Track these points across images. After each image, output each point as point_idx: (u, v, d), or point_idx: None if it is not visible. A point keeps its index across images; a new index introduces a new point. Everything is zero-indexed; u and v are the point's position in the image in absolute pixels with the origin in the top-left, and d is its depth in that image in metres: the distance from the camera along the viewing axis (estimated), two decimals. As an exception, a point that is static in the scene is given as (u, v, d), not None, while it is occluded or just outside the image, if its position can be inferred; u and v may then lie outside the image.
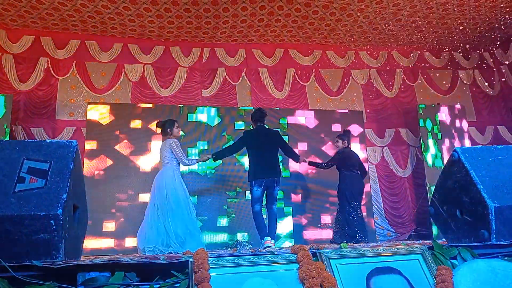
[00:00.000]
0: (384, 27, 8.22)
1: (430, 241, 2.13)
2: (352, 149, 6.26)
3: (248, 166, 5.16)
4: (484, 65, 9.27)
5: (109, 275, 1.78)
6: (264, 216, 5.08)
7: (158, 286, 1.73)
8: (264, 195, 5.03)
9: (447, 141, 8.28)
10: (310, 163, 6.08)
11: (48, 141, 1.98)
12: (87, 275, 1.77)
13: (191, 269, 1.66)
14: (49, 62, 7.49)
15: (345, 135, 6.14)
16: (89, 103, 7.20)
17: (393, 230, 8.26)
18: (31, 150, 1.90)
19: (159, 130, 5.14)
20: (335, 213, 6.05)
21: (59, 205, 1.75)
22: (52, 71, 7.48)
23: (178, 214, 4.49)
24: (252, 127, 5.32)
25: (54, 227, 1.72)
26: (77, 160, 2.03)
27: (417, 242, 3.78)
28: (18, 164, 1.85)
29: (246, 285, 1.65)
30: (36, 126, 7.18)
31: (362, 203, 6.04)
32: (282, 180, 5.37)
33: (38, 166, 1.85)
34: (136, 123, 7.15)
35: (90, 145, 6.90)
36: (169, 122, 5.03)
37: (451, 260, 1.96)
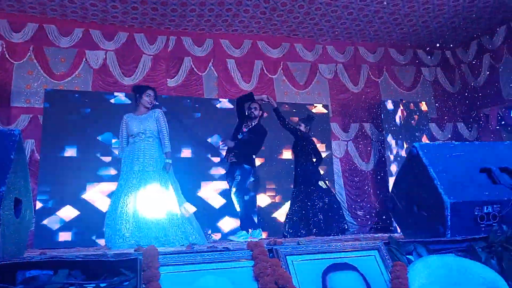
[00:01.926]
0: (352, 22, 8.27)
1: (387, 235, 2.13)
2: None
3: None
4: (445, 63, 9.52)
5: (51, 273, 1.68)
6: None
7: (104, 285, 1.64)
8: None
9: (408, 137, 8.47)
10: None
11: (-14, 129, 1.82)
12: (27, 273, 1.65)
13: (139, 267, 1.57)
14: (4, 46, 7.08)
15: (309, 120, 6.00)
16: (46, 90, 6.87)
17: (355, 223, 8.41)
18: (-33, 138, 1.74)
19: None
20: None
21: (-3, 198, 1.62)
22: (7, 55, 7.07)
23: None
24: None
25: (-9, 222, 1.58)
26: (20, 150, 1.88)
27: (376, 236, 3.83)
28: (-49, 153, 1.69)
29: (198, 283, 1.58)
30: (-12, 113, 6.79)
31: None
32: None
33: (-26, 156, 1.70)
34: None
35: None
36: (142, 87, 4.40)
37: (407, 256, 1.97)
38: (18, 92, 7.05)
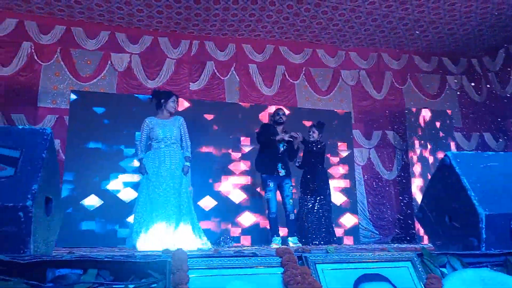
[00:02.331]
0: (376, 29, 8.18)
1: (419, 246, 2.06)
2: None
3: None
4: (472, 71, 9.32)
5: (81, 272, 1.67)
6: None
7: (133, 286, 1.62)
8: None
9: (433, 146, 8.30)
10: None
11: (20, 127, 1.85)
12: (57, 271, 1.65)
13: (169, 270, 1.55)
14: (33, 47, 7.25)
15: (322, 126, 5.87)
16: (72, 91, 7.00)
17: (377, 232, 8.27)
18: (1, 136, 1.76)
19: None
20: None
21: (29, 196, 1.63)
22: (35, 57, 7.24)
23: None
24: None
25: (23, 219, 1.59)
26: (52, 149, 1.90)
27: (405, 246, 3.72)
28: (-14, 151, 1.71)
29: (227, 288, 1.55)
30: (16, 113, 6.94)
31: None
32: None
33: (7, 153, 1.72)
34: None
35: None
36: (166, 92, 4.46)
37: (440, 268, 1.90)
38: (45, 92, 7.20)
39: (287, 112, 5.92)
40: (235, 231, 6.96)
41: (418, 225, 7.83)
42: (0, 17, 7.15)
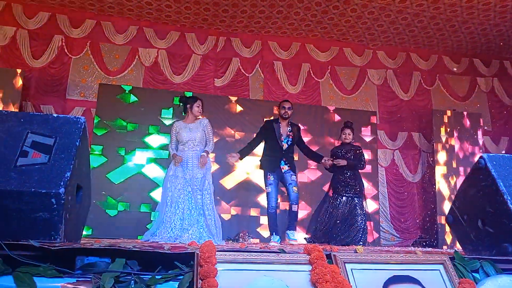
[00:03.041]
0: (405, 28, 8.02)
1: (451, 250, 2.00)
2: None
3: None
4: (503, 73, 9.04)
5: (109, 261, 1.69)
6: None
7: (160, 276, 1.63)
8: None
9: (461, 149, 8.09)
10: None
11: (55, 115, 1.87)
12: (86, 259, 1.67)
13: (196, 262, 1.55)
14: (63, 41, 7.41)
15: (352, 125, 5.55)
16: (100, 85, 7.12)
17: (398, 235, 8.12)
18: (37, 124, 1.80)
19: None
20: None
21: (62, 183, 1.65)
22: (65, 50, 7.40)
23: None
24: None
25: (55, 206, 1.62)
26: (84, 138, 1.92)
27: (434, 250, 3.61)
28: (21, 137, 1.75)
29: (255, 283, 1.54)
30: (46, 104, 7.11)
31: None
32: None
33: (42, 141, 1.75)
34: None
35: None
36: (191, 98, 4.81)
37: (473, 273, 1.84)
38: (74, 85, 7.35)
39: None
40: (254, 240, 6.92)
41: (440, 230, 7.67)
42: (34, 11, 7.33)
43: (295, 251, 1.75)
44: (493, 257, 1.90)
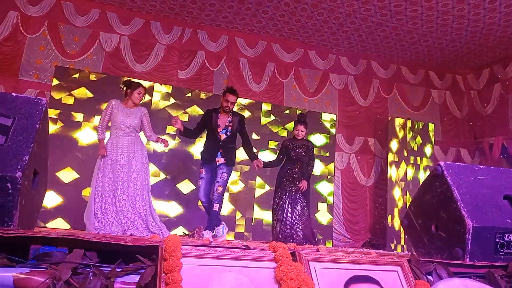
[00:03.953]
0: (368, 36, 8.25)
1: (407, 253, 2.07)
2: None
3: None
4: (455, 87, 9.53)
5: (66, 251, 1.61)
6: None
7: (120, 269, 1.57)
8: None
9: (411, 156, 8.46)
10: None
11: (14, 94, 1.75)
12: (41, 249, 1.59)
13: (161, 255, 1.51)
14: (19, 18, 6.98)
15: (305, 120, 5.45)
16: (57, 67, 6.79)
17: (348, 237, 8.37)
18: (-7, 102, 1.67)
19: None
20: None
21: (19, 167, 1.55)
22: (21, 28, 6.97)
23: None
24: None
25: (10, 191, 1.52)
26: (45, 121, 1.82)
27: (391, 253, 3.73)
28: (-25, 116, 1.62)
29: (219, 279, 1.52)
30: (-5, 83, 6.69)
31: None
32: None
33: (-1, 121, 1.63)
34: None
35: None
36: (134, 83, 4.62)
37: (427, 276, 1.92)
38: (28, 65, 6.95)
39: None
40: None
41: (388, 233, 8.00)
42: (-13, -17, 6.87)
43: (260, 248, 1.75)
44: (446, 261, 2.00)
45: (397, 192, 8.27)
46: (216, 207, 4.72)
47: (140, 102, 4.64)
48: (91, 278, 1.49)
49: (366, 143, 8.86)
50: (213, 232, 4.76)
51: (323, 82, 8.81)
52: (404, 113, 9.11)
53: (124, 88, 4.59)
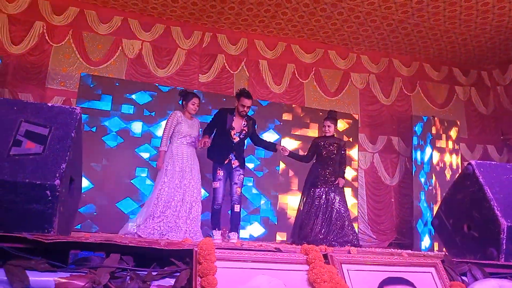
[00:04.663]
0: (389, 34, 8.16)
1: (440, 253, 2.05)
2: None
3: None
4: (481, 83, 9.32)
5: (103, 256, 1.65)
6: None
7: (156, 273, 1.61)
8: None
9: (437, 154, 8.30)
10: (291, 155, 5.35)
11: (49, 105, 1.81)
12: (80, 253, 1.63)
13: (195, 259, 1.53)
14: (45, 27, 7.18)
15: (335, 116, 5.44)
16: (82, 75, 6.96)
17: (374, 237, 8.27)
18: (30, 112, 1.74)
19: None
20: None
21: (57, 175, 1.60)
22: (46, 37, 7.17)
23: None
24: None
25: (50, 198, 1.57)
26: (79, 129, 1.87)
27: (424, 253, 3.65)
28: (15, 126, 1.69)
29: (253, 282, 1.53)
30: (24, 92, 6.88)
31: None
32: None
33: (37, 131, 1.69)
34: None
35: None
36: (189, 94, 4.80)
37: (461, 277, 1.89)
38: (54, 73, 7.14)
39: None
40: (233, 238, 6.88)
41: (416, 233, 7.86)
42: (14, -6, 7.09)
43: (292, 250, 1.75)
44: (480, 261, 1.96)
45: (423, 191, 8.12)
46: (237, 208, 4.81)
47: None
48: (129, 282, 1.53)
49: (389, 142, 8.75)
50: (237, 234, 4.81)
51: (344, 82, 8.75)
52: (429, 110, 8.94)
53: (181, 99, 4.75)
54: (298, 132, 7.86)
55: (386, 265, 1.72)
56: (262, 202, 7.33)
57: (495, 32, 7.83)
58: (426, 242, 7.78)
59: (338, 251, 1.83)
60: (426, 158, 8.22)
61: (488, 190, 2.22)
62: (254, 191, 7.32)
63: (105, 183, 6.52)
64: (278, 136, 7.60)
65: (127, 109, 6.90)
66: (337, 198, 5.09)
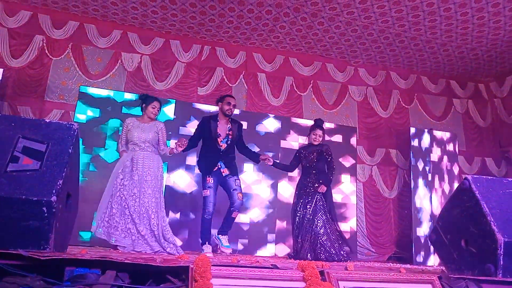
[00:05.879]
0: (387, 47, 8.23)
1: (440, 268, 2.04)
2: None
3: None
4: (478, 96, 9.37)
5: (99, 273, 1.65)
6: None
7: (152, 290, 1.60)
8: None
9: (436, 167, 8.30)
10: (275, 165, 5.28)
11: (47, 120, 1.82)
12: (75, 270, 1.63)
13: (191, 276, 1.53)
14: (44, 41, 7.24)
15: (322, 124, 5.33)
16: (81, 88, 6.99)
17: (373, 250, 8.23)
18: (28, 128, 1.75)
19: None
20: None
21: (54, 191, 1.61)
22: (46, 51, 7.23)
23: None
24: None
25: (46, 214, 1.57)
26: (76, 145, 1.88)
27: (420, 268, 3.63)
28: (12, 142, 1.69)
29: (249, 299, 1.53)
30: (23, 105, 6.91)
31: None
32: None
33: (34, 147, 1.70)
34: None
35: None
36: (149, 98, 4.59)
37: (459, 293, 1.88)
38: (54, 87, 7.18)
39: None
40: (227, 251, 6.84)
41: (415, 246, 7.82)
42: (15, 9, 7.16)
43: (289, 267, 1.75)
44: (478, 277, 1.96)
45: (422, 205, 8.10)
46: (235, 214, 4.69)
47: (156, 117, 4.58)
48: (124, 299, 1.52)
49: (388, 154, 8.76)
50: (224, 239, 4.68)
51: (342, 94, 8.79)
52: (427, 123, 8.98)
53: (141, 103, 4.58)
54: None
55: (383, 282, 1.71)
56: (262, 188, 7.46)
57: (491, 45, 7.90)
58: (425, 255, 7.74)
59: (335, 268, 1.82)
60: (424, 171, 8.22)
61: (485, 205, 2.22)
62: (256, 176, 7.43)
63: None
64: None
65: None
66: (320, 209, 5.00)
